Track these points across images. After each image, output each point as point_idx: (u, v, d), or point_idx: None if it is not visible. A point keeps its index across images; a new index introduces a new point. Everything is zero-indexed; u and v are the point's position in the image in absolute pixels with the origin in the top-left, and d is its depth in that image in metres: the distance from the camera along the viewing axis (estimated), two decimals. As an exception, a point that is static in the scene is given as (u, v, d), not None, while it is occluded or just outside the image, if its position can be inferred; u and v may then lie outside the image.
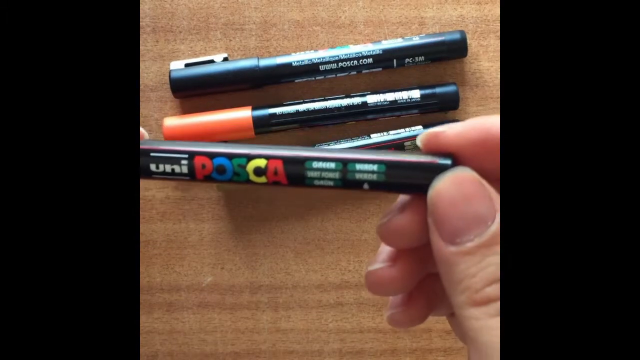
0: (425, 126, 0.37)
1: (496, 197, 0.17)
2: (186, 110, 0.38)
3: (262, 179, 0.18)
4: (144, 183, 0.38)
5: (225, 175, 0.18)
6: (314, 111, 0.37)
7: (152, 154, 0.19)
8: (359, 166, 0.18)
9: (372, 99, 0.37)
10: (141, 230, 0.39)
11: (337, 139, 0.37)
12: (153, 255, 0.39)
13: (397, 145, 0.37)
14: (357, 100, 0.37)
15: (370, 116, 0.37)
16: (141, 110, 0.38)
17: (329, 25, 0.38)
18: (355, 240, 0.39)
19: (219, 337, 0.39)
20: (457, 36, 0.37)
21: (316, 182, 0.18)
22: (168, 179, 0.19)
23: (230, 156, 0.18)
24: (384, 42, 0.37)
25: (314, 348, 0.39)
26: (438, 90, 0.37)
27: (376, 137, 0.37)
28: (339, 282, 0.39)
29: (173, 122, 0.37)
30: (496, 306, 0.16)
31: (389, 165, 0.18)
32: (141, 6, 0.38)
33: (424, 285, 0.21)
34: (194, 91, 0.37)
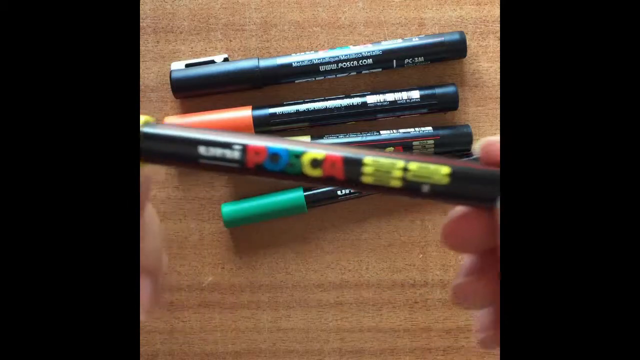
0: (435, 128, 0.37)
1: None
2: (187, 110, 0.38)
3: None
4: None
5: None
6: (314, 111, 0.37)
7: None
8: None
9: (371, 99, 0.37)
10: (142, 230, 0.39)
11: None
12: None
13: (405, 144, 0.37)
14: (356, 100, 0.37)
15: (370, 116, 0.37)
16: (142, 111, 0.38)
17: (329, 26, 0.38)
18: (355, 240, 0.39)
19: (219, 337, 0.39)
20: (456, 37, 0.37)
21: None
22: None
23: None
24: (383, 42, 0.37)
25: (314, 347, 0.39)
26: (437, 90, 0.37)
27: (385, 134, 0.37)
28: (339, 281, 0.39)
29: (173, 121, 0.37)
30: None
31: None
32: (142, 7, 0.38)
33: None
34: (194, 91, 0.37)
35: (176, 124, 0.18)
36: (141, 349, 0.39)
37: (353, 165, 0.17)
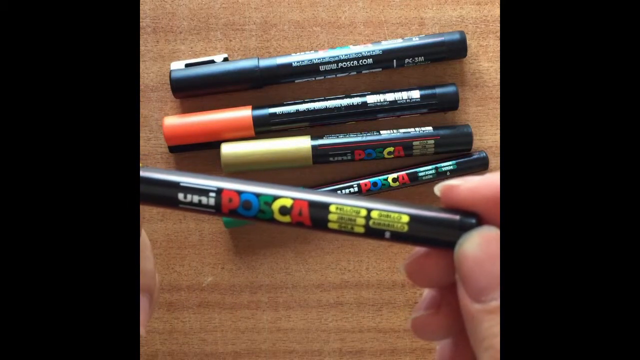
0: (435, 128, 0.37)
1: None
2: (186, 110, 0.38)
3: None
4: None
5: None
6: (314, 111, 0.37)
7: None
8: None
9: (372, 99, 0.37)
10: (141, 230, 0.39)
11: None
12: (153, 255, 0.39)
13: (405, 144, 0.37)
14: (357, 100, 0.37)
15: (370, 116, 0.37)
16: (142, 110, 0.38)
17: (329, 25, 0.38)
18: (355, 240, 0.39)
19: (219, 337, 0.39)
20: (456, 36, 0.37)
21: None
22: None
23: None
24: (383, 42, 0.37)
25: (314, 347, 0.39)
26: (438, 90, 0.37)
27: (385, 134, 0.37)
28: (339, 281, 0.39)
29: (173, 121, 0.37)
30: None
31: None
32: (142, 6, 0.38)
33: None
34: (194, 91, 0.37)
35: (159, 168, 0.20)
36: (141, 349, 0.38)
37: (319, 214, 0.18)
